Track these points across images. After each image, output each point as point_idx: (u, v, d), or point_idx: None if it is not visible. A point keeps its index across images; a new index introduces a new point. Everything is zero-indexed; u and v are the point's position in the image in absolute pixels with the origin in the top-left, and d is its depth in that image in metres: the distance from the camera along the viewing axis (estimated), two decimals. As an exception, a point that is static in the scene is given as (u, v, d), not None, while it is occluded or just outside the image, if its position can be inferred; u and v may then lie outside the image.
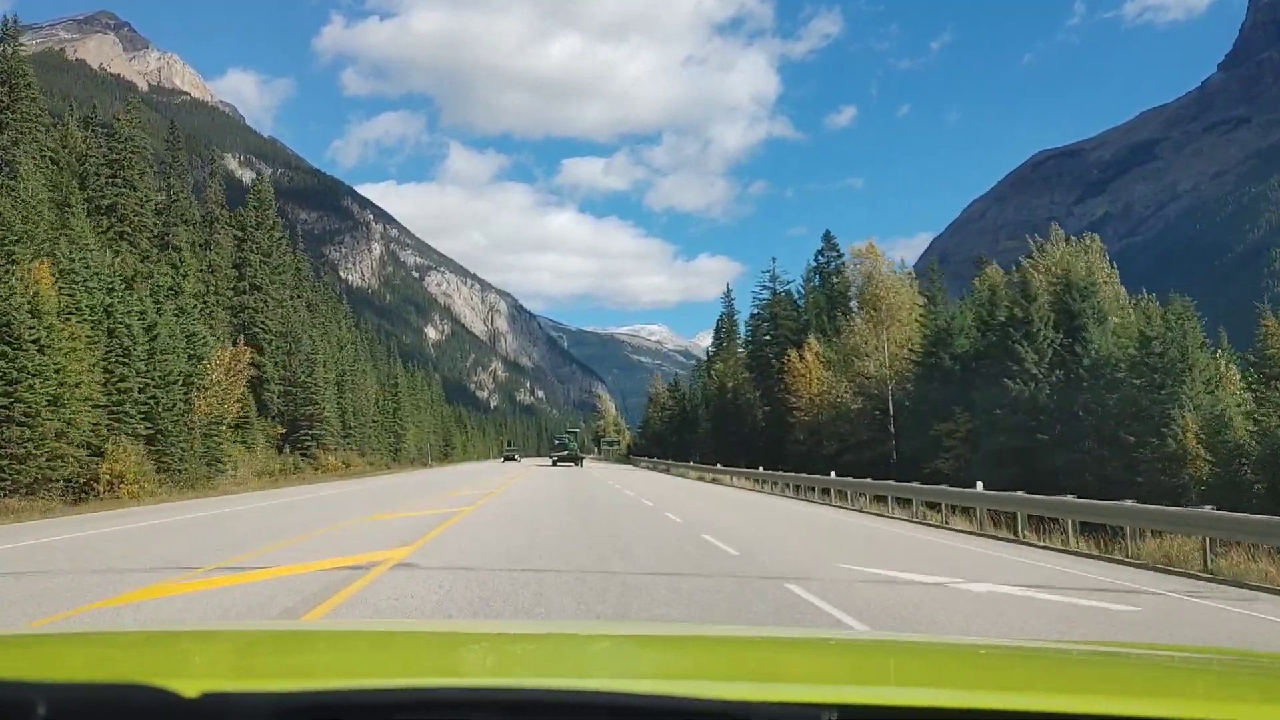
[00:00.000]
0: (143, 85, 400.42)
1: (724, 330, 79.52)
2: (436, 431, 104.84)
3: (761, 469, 40.96)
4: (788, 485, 35.08)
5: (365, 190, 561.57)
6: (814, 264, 61.65)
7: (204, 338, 39.58)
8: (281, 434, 52.39)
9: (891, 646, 2.40)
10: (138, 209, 43.84)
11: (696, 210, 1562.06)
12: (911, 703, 1.31)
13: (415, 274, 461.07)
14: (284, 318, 56.75)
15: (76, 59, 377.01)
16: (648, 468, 74.71)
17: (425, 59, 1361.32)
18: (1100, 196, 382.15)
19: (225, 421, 38.71)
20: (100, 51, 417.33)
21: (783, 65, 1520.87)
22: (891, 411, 43.30)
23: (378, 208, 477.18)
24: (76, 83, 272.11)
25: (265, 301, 55.30)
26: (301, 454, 52.30)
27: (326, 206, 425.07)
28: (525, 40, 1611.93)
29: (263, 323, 54.06)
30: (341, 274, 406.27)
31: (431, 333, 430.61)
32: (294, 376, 55.00)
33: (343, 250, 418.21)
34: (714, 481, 45.64)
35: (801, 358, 50.94)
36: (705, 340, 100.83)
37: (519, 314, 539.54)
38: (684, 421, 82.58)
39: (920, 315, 44.64)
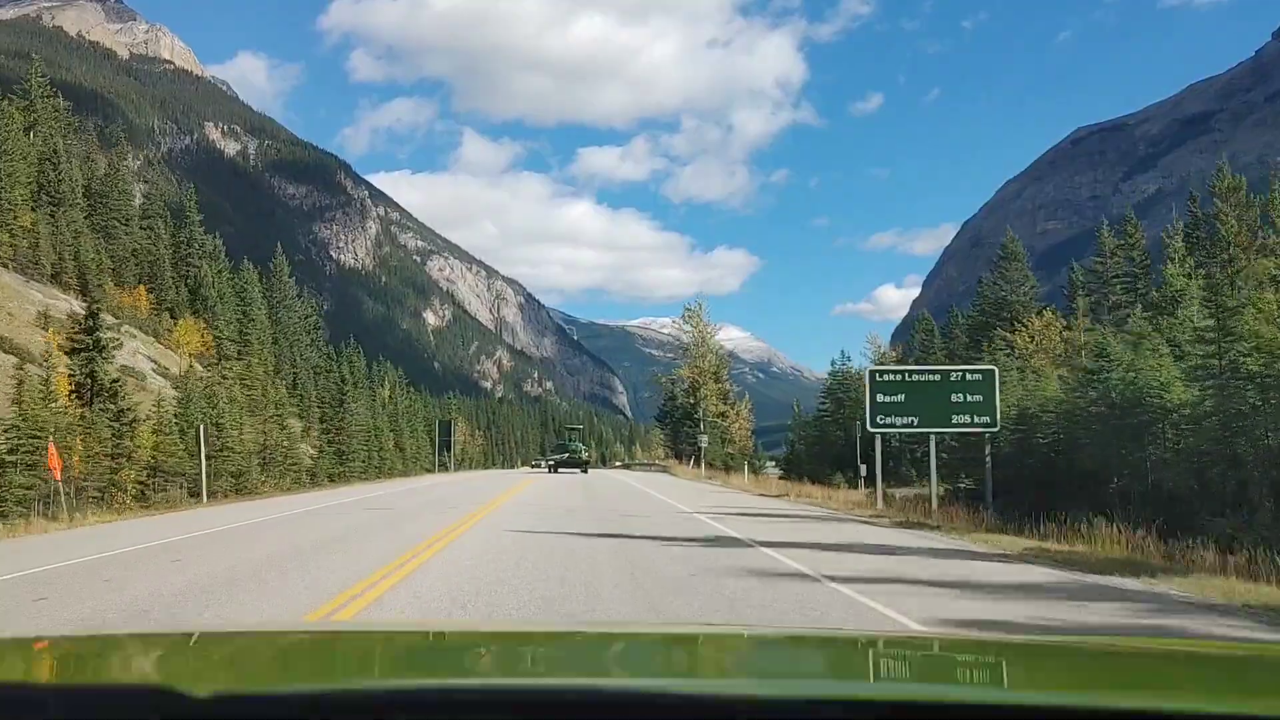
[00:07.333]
0: (123, 54, 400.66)
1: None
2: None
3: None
4: None
5: (378, 179, 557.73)
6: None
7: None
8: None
9: (897, 642, 2.49)
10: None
11: (715, 200, 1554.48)
12: (916, 697, 1.37)
13: (416, 257, 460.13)
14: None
15: (54, 25, 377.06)
16: None
17: (440, 40, 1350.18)
18: (1150, 172, 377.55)
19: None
20: (81, 20, 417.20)
21: (809, 49, 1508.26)
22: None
23: (374, 186, 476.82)
24: (46, 46, 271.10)
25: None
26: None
27: (316, 181, 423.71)
28: (544, 20, 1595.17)
29: None
30: (332, 253, 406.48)
31: (431, 318, 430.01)
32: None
33: (334, 228, 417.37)
34: None
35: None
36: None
37: (528, 303, 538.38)
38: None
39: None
